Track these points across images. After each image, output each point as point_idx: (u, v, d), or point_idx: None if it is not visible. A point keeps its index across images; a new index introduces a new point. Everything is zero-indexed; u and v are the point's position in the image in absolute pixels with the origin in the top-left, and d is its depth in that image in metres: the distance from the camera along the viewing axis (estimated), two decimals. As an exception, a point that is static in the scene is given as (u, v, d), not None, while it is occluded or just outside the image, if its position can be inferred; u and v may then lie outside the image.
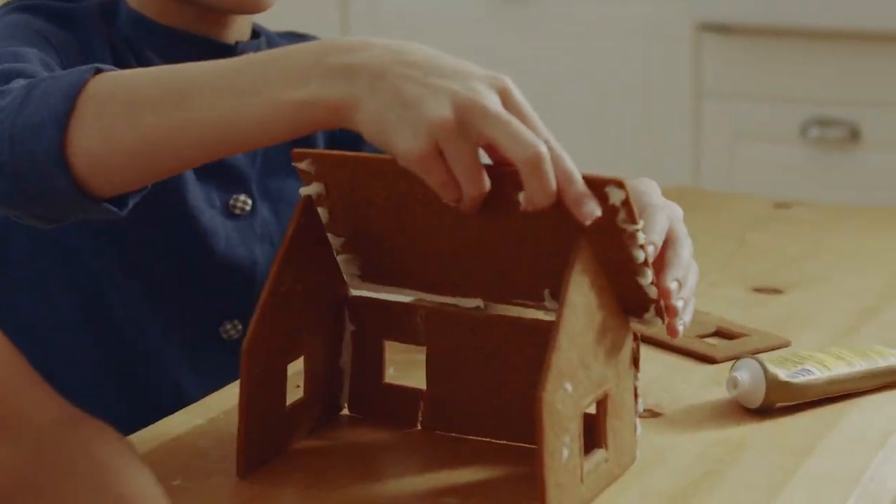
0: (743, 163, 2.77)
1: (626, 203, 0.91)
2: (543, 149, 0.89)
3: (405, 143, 0.89)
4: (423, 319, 1.06)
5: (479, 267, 1.01)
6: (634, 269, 0.95)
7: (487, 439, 1.06)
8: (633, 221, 0.92)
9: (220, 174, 1.32)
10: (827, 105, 2.68)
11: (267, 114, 0.94)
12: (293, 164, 1.03)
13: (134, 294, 1.30)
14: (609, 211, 0.91)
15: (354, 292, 1.09)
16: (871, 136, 2.66)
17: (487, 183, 0.91)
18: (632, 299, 0.98)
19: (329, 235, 1.05)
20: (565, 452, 0.92)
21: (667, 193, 1.09)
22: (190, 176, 1.29)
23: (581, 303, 0.93)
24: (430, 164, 0.90)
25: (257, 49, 1.33)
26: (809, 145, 2.70)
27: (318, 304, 1.05)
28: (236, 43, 1.32)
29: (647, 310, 0.98)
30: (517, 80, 0.92)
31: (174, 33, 1.29)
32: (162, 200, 1.24)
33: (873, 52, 2.62)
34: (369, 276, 1.07)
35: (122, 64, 1.26)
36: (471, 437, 1.06)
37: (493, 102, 0.90)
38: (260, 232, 1.35)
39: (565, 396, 0.92)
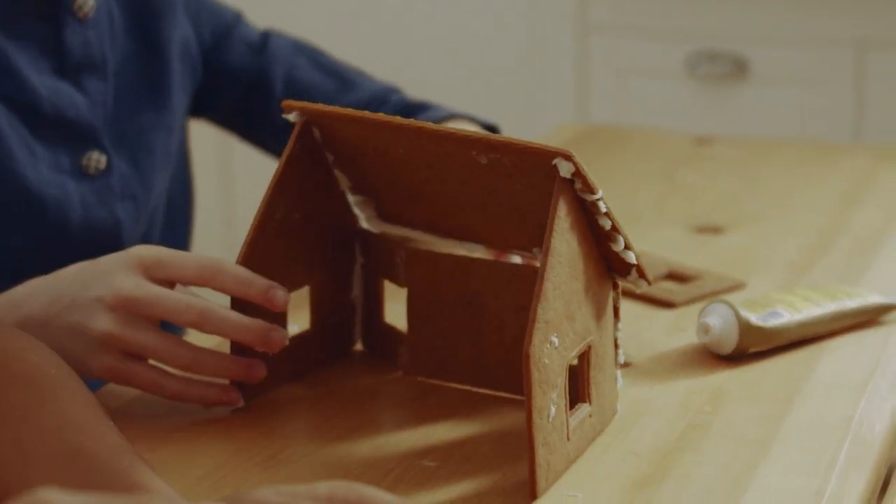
0: (630, 99, 2.73)
1: (579, 174, 0.87)
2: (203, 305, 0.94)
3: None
4: (404, 260, 1.02)
5: (479, 220, 0.98)
6: (606, 235, 0.91)
7: (467, 387, 1.01)
8: (591, 192, 0.88)
9: (64, 132, 1.19)
10: (714, 39, 2.65)
11: None
12: (283, 115, 0.98)
13: None
14: (564, 182, 0.87)
15: (364, 224, 1.05)
16: (759, 70, 2.63)
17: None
18: (614, 263, 0.94)
19: (337, 172, 1.02)
20: (552, 409, 0.87)
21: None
22: (21, 143, 1.16)
23: (564, 251, 0.88)
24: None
25: None
26: (697, 80, 2.67)
27: (322, 233, 1.02)
28: None
29: (629, 273, 0.94)
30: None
31: None
32: None
33: (761, -16, 2.60)
34: (382, 216, 1.04)
35: None
36: (451, 384, 1.02)
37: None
38: (120, 189, 1.23)
39: (552, 350, 0.86)
